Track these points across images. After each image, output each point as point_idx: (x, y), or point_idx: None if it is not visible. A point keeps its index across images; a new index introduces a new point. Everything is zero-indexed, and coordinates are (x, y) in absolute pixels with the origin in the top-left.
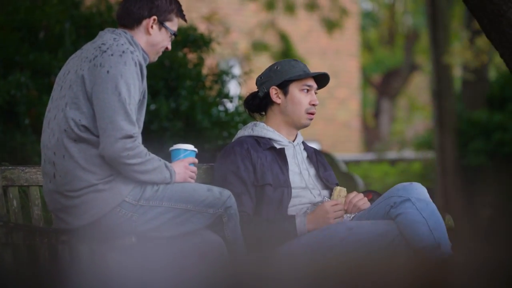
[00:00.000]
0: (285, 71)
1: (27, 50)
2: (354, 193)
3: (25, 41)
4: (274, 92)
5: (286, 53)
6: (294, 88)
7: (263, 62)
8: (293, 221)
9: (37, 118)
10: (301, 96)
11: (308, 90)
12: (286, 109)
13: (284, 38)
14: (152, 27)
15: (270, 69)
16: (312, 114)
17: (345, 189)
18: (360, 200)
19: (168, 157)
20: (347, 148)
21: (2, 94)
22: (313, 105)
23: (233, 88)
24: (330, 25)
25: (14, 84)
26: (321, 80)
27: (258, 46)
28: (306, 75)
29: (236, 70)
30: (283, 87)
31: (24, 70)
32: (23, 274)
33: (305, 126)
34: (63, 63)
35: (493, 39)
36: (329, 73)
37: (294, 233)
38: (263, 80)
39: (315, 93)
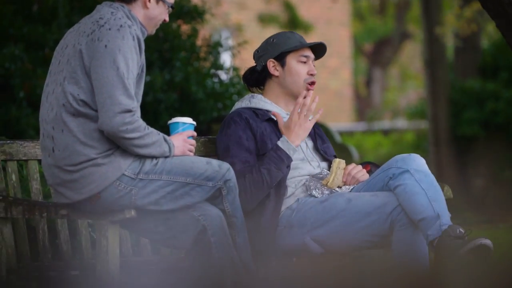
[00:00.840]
0: (282, 43)
1: (21, 23)
2: (353, 165)
3: (19, 14)
4: (271, 64)
5: (293, 21)
6: (291, 60)
7: (263, 33)
8: (276, 145)
9: (32, 91)
10: (298, 67)
11: (305, 61)
12: (285, 81)
13: (288, 6)
14: (149, 1)
15: (266, 42)
16: (312, 84)
17: (344, 161)
18: (359, 172)
19: (163, 128)
20: (339, 118)
21: None
22: (312, 75)
23: (227, 59)
24: None
25: (8, 57)
26: (318, 50)
27: (265, 18)
28: (302, 45)
29: (229, 41)
30: (280, 59)
31: (18, 43)
32: (22, 248)
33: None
34: (57, 35)
35: (489, 9)
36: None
37: (285, 154)
38: (260, 54)
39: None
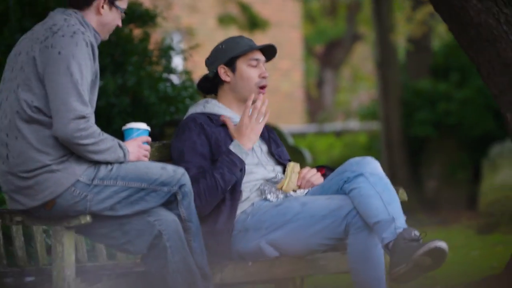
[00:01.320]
0: (230, 48)
1: None
2: (307, 168)
3: None
4: (222, 71)
5: (253, 20)
6: (241, 64)
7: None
8: (228, 149)
9: None
10: (249, 71)
11: (255, 65)
12: (237, 86)
13: (245, 7)
14: (102, 7)
15: (216, 49)
16: (263, 87)
17: (298, 164)
18: (314, 175)
19: (116, 133)
20: (291, 119)
21: None
22: (263, 77)
23: (179, 62)
24: None
25: None
26: (269, 52)
27: (225, 20)
28: (250, 48)
29: (181, 45)
30: (231, 64)
31: None
32: None
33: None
34: (9, 40)
35: (441, 12)
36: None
37: (237, 158)
38: (211, 61)
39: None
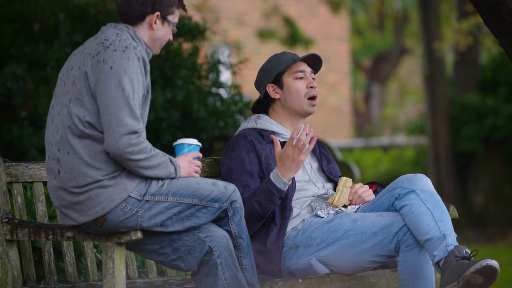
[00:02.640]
0: (275, 65)
1: (22, 42)
2: (360, 184)
3: (21, 33)
4: (271, 89)
5: (293, 36)
6: (288, 78)
7: (271, 49)
8: (268, 178)
9: (34, 111)
10: (296, 84)
11: (302, 77)
12: (287, 102)
13: (289, 22)
14: (155, 22)
15: (261, 69)
16: (313, 98)
17: (350, 179)
18: (365, 191)
19: (164, 147)
20: (338, 134)
21: None
22: (311, 87)
23: (228, 76)
24: (335, 5)
25: (10, 77)
26: (314, 63)
27: (265, 34)
28: (293, 61)
29: (229, 59)
30: (277, 81)
31: (20, 62)
32: (28, 270)
33: (310, 113)
34: (59, 54)
35: (492, 28)
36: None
37: (275, 187)
38: (259, 82)
39: (313, 78)
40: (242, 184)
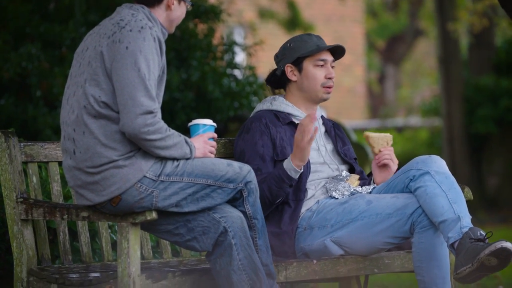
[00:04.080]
0: (298, 47)
1: (37, 22)
2: (392, 150)
3: (36, 13)
4: (289, 69)
5: (293, 20)
6: (308, 64)
7: (270, 29)
8: (281, 167)
9: (49, 90)
10: (315, 71)
11: (323, 65)
12: (303, 86)
13: (291, 5)
14: (173, 3)
15: (284, 46)
16: (329, 87)
17: (391, 138)
18: (392, 158)
19: (179, 127)
20: (352, 115)
21: (14, 66)
22: (329, 78)
23: (242, 57)
24: None
25: (25, 56)
26: (337, 51)
27: (265, 14)
28: (318, 49)
29: (245, 40)
30: (297, 64)
31: (35, 42)
32: (43, 250)
33: (324, 100)
34: (74, 34)
35: (508, 9)
36: (333, 39)
37: (284, 173)
38: (279, 58)
39: (332, 66)
40: (254, 167)
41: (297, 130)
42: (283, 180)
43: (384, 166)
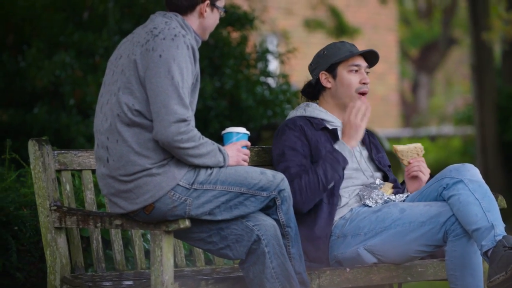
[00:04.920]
0: (331, 54)
1: (71, 31)
2: (423, 159)
3: (69, 21)
4: (324, 77)
5: (340, 27)
6: (342, 70)
7: (320, 39)
8: (335, 150)
9: (82, 99)
10: (350, 77)
11: (357, 70)
12: (337, 92)
13: (334, 12)
14: (205, 10)
15: (317, 55)
16: (364, 93)
17: (423, 149)
18: (423, 168)
19: (212, 135)
20: (386, 123)
21: (47, 75)
22: (364, 83)
23: (275, 65)
24: None
25: (59, 65)
26: (371, 57)
27: (311, 23)
28: (351, 54)
29: (278, 48)
30: (332, 70)
31: (69, 50)
32: (76, 257)
33: None
34: (107, 43)
35: None
36: (367, 48)
37: (339, 155)
38: (313, 67)
39: (367, 72)
40: (297, 163)
41: (348, 110)
42: (338, 162)
43: (415, 177)
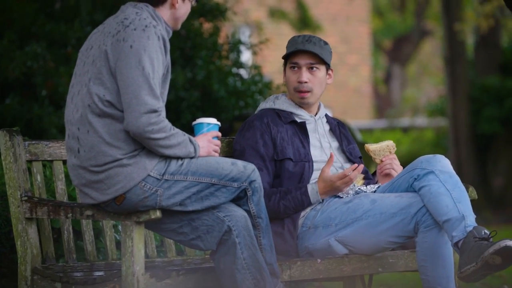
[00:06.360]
0: (286, 49)
1: (43, 21)
2: (395, 156)
3: (41, 12)
4: (284, 72)
5: (303, 20)
6: (287, 67)
7: (278, 29)
8: (306, 191)
9: (54, 90)
10: (289, 75)
11: (296, 67)
12: (287, 88)
13: (300, 5)
14: (177, 1)
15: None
16: (301, 92)
17: (394, 146)
18: (396, 165)
19: (184, 127)
20: (358, 115)
21: (19, 65)
22: (300, 82)
23: (248, 56)
24: None
25: (30, 55)
26: (315, 54)
27: (275, 14)
28: (287, 53)
29: (251, 39)
30: (285, 65)
31: (41, 41)
32: (47, 248)
33: (302, 104)
34: (80, 33)
35: None
36: (339, 39)
37: (308, 202)
38: None
39: (312, 68)
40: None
41: (338, 177)
42: (303, 206)
43: (387, 175)
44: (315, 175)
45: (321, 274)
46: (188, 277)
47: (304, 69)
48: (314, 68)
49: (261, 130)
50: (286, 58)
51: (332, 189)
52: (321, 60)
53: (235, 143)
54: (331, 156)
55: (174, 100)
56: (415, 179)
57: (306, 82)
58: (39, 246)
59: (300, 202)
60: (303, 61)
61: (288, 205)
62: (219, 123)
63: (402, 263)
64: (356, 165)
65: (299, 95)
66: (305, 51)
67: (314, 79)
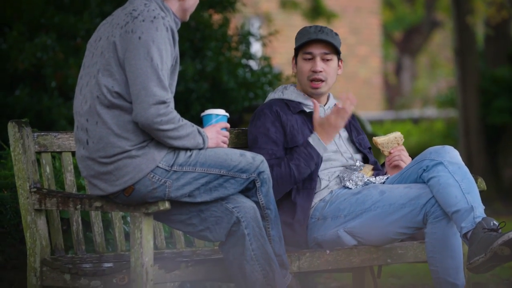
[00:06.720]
0: (297, 39)
1: (52, 13)
2: (403, 147)
3: (51, 4)
4: (293, 62)
5: (316, 9)
6: (299, 57)
7: (288, 20)
8: (308, 142)
9: (63, 81)
10: (302, 65)
11: (310, 58)
12: (298, 78)
13: None
14: None
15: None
16: (314, 81)
17: (403, 137)
18: (405, 157)
19: (194, 118)
20: (369, 106)
21: (28, 57)
22: (314, 71)
23: (258, 48)
24: None
25: (40, 47)
26: (329, 43)
27: (287, 4)
28: (300, 43)
29: (260, 30)
30: (296, 56)
31: (50, 32)
32: (56, 240)
33: (314, 94)
34: (89, 25)
35: None
36: (349, 31)
37: (316, 153)
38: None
39: (327, 59)
40: (268, 152)
41: (334, 112)
42: (312, 158)
43: (396, 166)
44: (325, 165)
45: (330, 266)
46: (197, 269)
47: (318, 59)
48: (328, 58)
49: (271, 118)
50: (298, 48)
51: (331, 127)
52: (334, 49)
53: (248, 134)
54: (315, 104)
55: (183, 92)
56: (424, 170)
57: (321, 71)
58: (48, 238)
59: (308, 155)
60: (317, 50)
61: (298, 163)
62: (227, 114)
63: (411, 254)
64: (347, 93)
65: (313, 85)
66: (320, 40)
67: (328, 68)
